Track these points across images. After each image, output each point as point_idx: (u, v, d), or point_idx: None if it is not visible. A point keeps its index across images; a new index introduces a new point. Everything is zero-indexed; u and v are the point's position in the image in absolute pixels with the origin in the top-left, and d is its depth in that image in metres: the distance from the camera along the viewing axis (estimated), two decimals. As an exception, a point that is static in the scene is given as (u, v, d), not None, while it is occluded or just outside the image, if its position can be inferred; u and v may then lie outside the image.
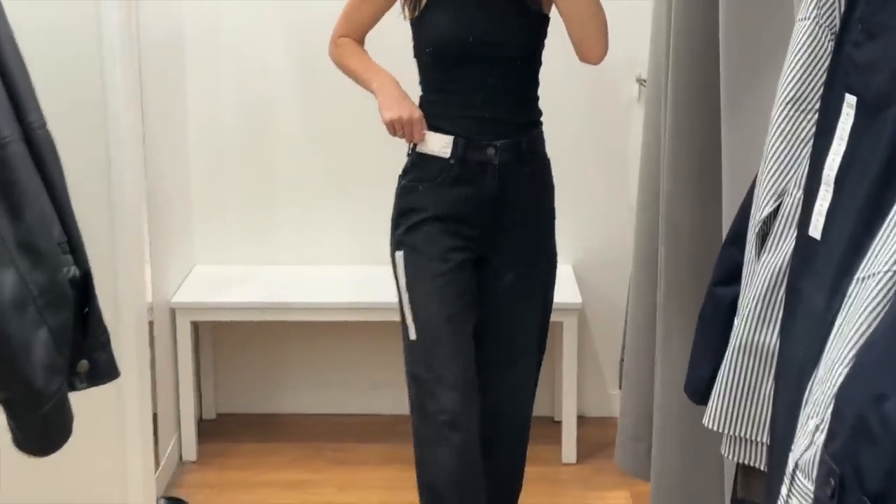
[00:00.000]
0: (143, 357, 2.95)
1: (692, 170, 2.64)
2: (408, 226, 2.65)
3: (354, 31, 2.76)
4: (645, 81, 3.77)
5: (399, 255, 2.66)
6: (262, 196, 4.02)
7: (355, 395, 4.06)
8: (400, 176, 2.71)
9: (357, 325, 3.89)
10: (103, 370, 1.82)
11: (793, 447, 1.38)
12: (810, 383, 1.37)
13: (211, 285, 3.87)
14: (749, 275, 1.77)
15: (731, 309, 1.85)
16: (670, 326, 2.81)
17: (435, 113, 2.65)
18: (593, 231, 3.96)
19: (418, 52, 2.68)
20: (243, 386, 4.13)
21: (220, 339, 4.11)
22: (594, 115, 3.90)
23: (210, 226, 4.03)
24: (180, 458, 3.78)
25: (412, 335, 2.63)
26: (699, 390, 1.93)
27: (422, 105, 2.68)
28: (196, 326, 3.97)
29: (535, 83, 2.71)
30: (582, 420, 3.81)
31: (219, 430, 4.01)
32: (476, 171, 2.62)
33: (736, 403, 1.78)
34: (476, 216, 2.65)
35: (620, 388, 3.86)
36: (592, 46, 2.63)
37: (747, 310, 1.74)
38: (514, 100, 2.67)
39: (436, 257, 2.62)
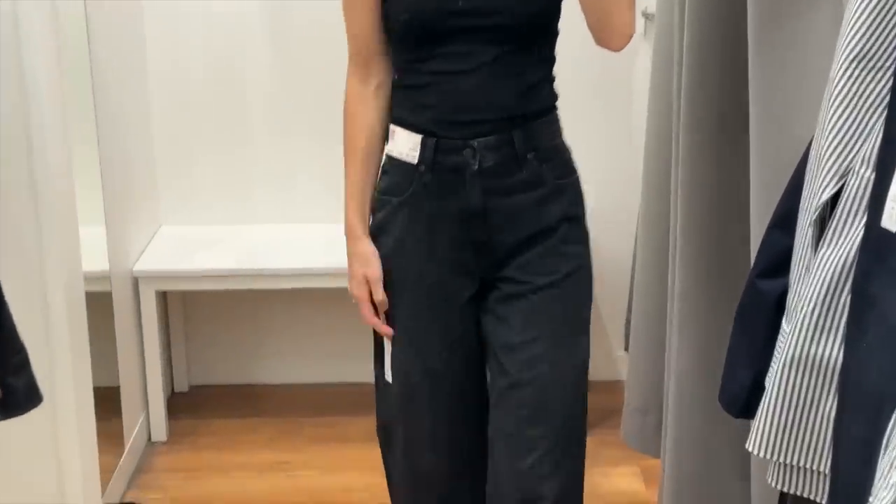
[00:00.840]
0: (79, 339, 2.52)
1: (713, 118, 2.32)
2: (383, 252, 2.08)
3: (366, 48, 2.05)
4: (652, 16, 3.45)
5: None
6: (232, 150, 3.69)
7: (337, 364, 3.75)
8: (378, 181, 2.12)
9: (339, 290, 3.57)
10: (21, 398, 1.51)
11: (872, 498, 1.11)
12: (895, 418, 1.10)
13: (178, 249, 3.54)
14: (803, 271, 1.45)
15: (778, 306, 1.54)
16: (686, 296, 2.50)
17: (408, 104, 2.03)
18: (595, 181, 3.62)
19: (390, 24, 2.01)
20: (217, 356, 3.83)
21: (192, 307, 3.79)
22: (594, 53, 3.55)
23: (176, 183, 3.70)
24: (149, 438, 3.48)
25: (388, 375, 2.13)
26: (737, 402, 1.63)
27: (395, 94, 2.06)
28: (164, 294, 3.65)
29: (549, 61, 2.04)
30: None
31: (191, 405, 3.71)
32: (451, 180, 1.99)
33: (788, 427, 1.47)
34: (463, 237, 2.03)
35: (626, 349, 3.60)
36: (617, 25, 1.97)
37: (801, 314, 1.42)
38: (515, 85, 1.98)
39: (418, 304, 2.07)
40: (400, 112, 2.04)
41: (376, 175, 2.09)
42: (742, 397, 1.60)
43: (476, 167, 1.98)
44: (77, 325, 2.31)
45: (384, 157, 2.08)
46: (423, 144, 1.99)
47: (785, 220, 1.53)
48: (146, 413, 3.46)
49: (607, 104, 3.65)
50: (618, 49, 2.01)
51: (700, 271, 2.47)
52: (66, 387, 1.89)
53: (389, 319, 2.08)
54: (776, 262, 1.55)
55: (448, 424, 2.13)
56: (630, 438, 3.06)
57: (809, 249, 1.42)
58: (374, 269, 2.06)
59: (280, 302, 3.75)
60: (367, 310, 2.08)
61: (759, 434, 1.49)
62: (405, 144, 2.01)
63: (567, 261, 2.04)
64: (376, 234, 2.07)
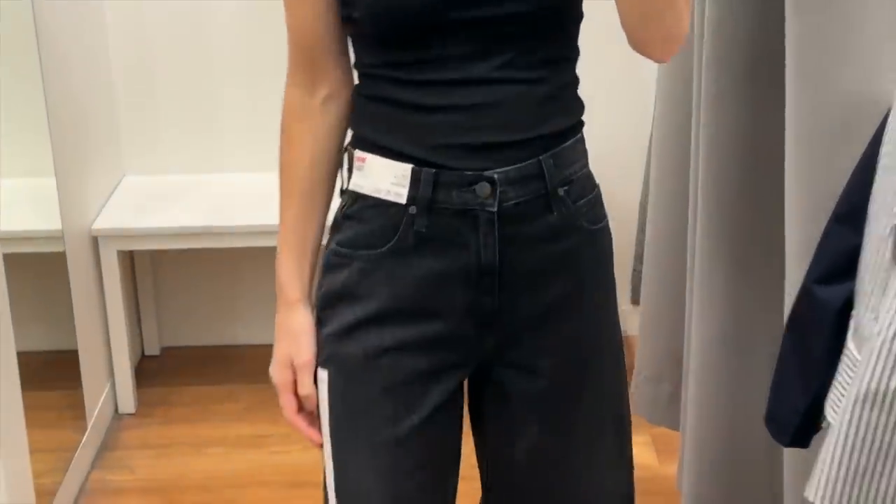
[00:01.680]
0: None
1: (743, 62, 2.03)
2: (338, 328, 1.48)
3: (313, 44, 1.50)
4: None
5: (322, 376, 1.50)
6: (199, 93, 3.36)
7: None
8: (330, 233, 1.53)
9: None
10: None
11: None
12: None
13: (142, 203, 3.24)
14: (879, 285, 1.16)
15: (842, 317, 1.26)
16: (711, 254, 2.23)
17: (384, 122, 1.45)
18: (599, 121, 3.32)
19: (355, 13, 1.43)
20: (190, 316, 3.54)
21: (161, 265, 3.49)
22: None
23: (140, 128, 3.38)
24: (116, 409, 3.21)
25: None
26: (788, 429, 1.35)
27: (360, 107, 1.49)
28: (130, 253, 3.36)
29: (571, 60, 1.51)
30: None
31: (163, 369, 3.43)
32: (456, 228, 1.44)
33: (861, 474, 1.19)
34: (463, 308, 1.46)
35: (631, 302, 3.34)
36: (669, 25, 1.40)
37: (879, 341, 1.13)
38: (539, 94, 1.44)
39: (387, 407, 1.47)
40: (371, 132, 1.46)
41: (322, 218, 1.53)
42: (794, 424, 1.33)
43: (494, 208, 1.43)
44: None
45: (345, 195, 1.50)
46: (416, 177, 1.42)
47: (851, 216, 1.24)
48: (112, 382, 3.19)
49: (611, 33, 3.34)
50: (661, 59, 1.48)
51: (726, 228, 2.19)
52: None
53: (351, 432, 1.49)
54: (839, 264, 1.26)
55: None
56: (642, 409, 2.80)
57: (889, 262, 1.13)
58: (305, 351, 1.49)
59: (256, 259, 3.45)
60: (289, 403, 1.52)
61: (825, 480, 1.21)
62: (384, 177, 1.44)
63: (598, 337, 1.54)
64: (332, 302, 1.48)
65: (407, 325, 1.44)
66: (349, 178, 1.47)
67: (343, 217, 1.47)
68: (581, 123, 1.51)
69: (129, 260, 3.38)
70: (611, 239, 1.57)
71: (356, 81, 1.50)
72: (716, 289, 2.24)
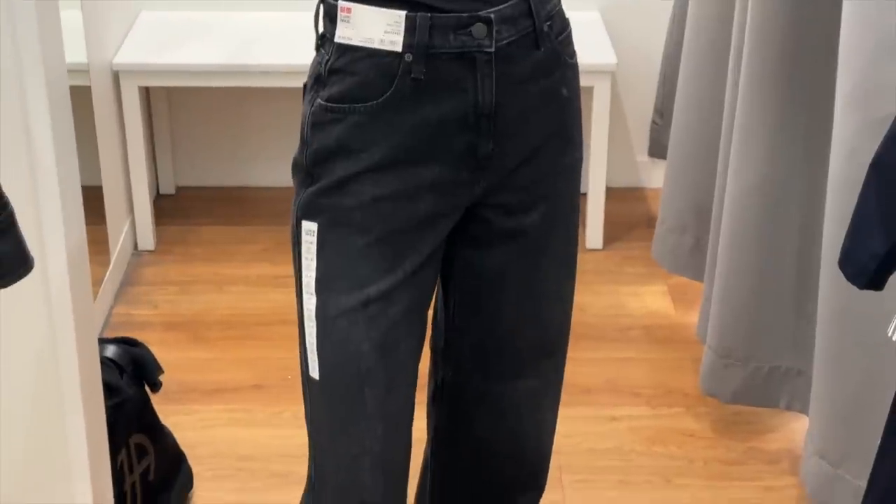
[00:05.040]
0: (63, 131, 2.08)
1: None
2: (332, 182, 1.43)
3: None
4: None
5: (310, 227, 1.45)
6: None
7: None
8: (307, 87, 1.46)
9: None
10: (7, 264, 1.23)
11: None
12: None
13: (161, 40, 3.19)
14: None
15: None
16: (754, 93, 2.22)
17: None
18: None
19: None
20: (206, 155, 3.52)
21: (177, 104, 3.46)
22: None
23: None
24: (135, 246, 3.21)
25: (313, 372, 1.49)
26: (865, 272, 1.36)
27: None
28: (147, 90, 3.32)
29: None
30: (607, 192, 3.24)
31: (179, 209, 3.43)
32: (453, 72, 1.40)
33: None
34: (460, 153, 1.44)
35: (649, 155, 3.35)
36: None
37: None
38: None
39: (381, 254, 1.44)
40: None
41: None
42: (871, 268, 1.34)
43: (492, 49, 1.40)
44: (61, 123, 1.88)
45: (327, 49, 1.43)
46: (411, 24, 1.37)
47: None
48: (132, 219, 3.19)
49: None
50: None
51: (772, 73, 2.18)
52: (56, 241, 1.61)
53: (338, 288, 1.44)
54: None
55: (398, 411, 1.52)
56: (663, 258, 2.84)
57: None
58: None
59: (273, 99, 3.42)
60: None
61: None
62: (376, 26, 1.38)
63: (572, 175, 1.55)
64: (325, 158, 1.43)
65: (403, 174, 1.42)
66: (333, 31, 1.41)
67: (329, 72, 1.41)
68: None
69: (146, 99, 3.34)
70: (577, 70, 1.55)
71: None
72: (757, 137, 2.24)
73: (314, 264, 1.44)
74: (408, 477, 1.54)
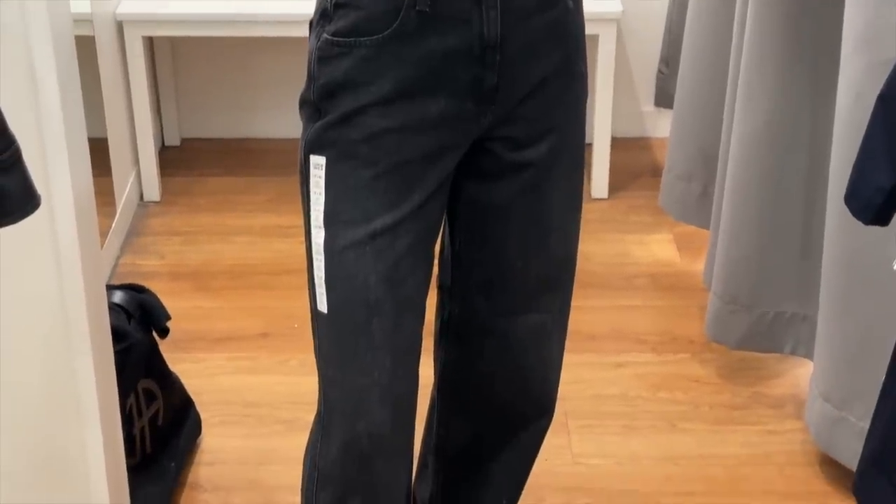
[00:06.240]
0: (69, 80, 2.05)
1: None
2: (339, 116, 1.43)
3: None
4: None
5: (318, 161, 1.45)
6: None
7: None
8: (313, 23, 1.46)
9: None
10: (12, 201, 1.24)
11: None
12: None
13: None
14: None
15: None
16: (764, 34, 2.21)
17: None
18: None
19: None
20: (210, 107, 3.52)
21: (181, 55, 3.45)
22: None
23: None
24: (141, 196, 3.22)
25: (321, 305, 1.48)
26: (870, 207, 1.37)
27: None
28: (150, 41, 3.31)
29: None
30: (612, 141, 3.24)
31: (184, 160, 3.43)
32: (458, 5, 1.40)
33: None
34: (465, 85, 1.43)
35: (655, 104, 3.35)
36: None
37: None
38: None
39: (389, 187, 1.44)
40: None
41: None
42: (877, 202, 1.35)
43: None
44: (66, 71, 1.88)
45: None
46: None
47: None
48: (137, 170, 3.19)
49: None
50: None
51: (779, 5, 2.17)
52: (62, 181, 1.62)
53: (346, 221, 1.44)
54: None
55: (406, 343, 1.51)
56: (670, 206, 2.84)
57: None
58: None
59: (278, 50, 3.41)
60: None
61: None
62: None
63: (578, 108, 1.54)
64: (333, 92, 1.42)
65: (410, 107, 1.42)
66: None
67: (334, 6, 1.41)
68: None
69: (150, 50, 3.33)
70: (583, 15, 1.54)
71: None
72: (763, 82, 2.24)
73: (322, 198, 1.45)
74: (415, 411, 1.55)
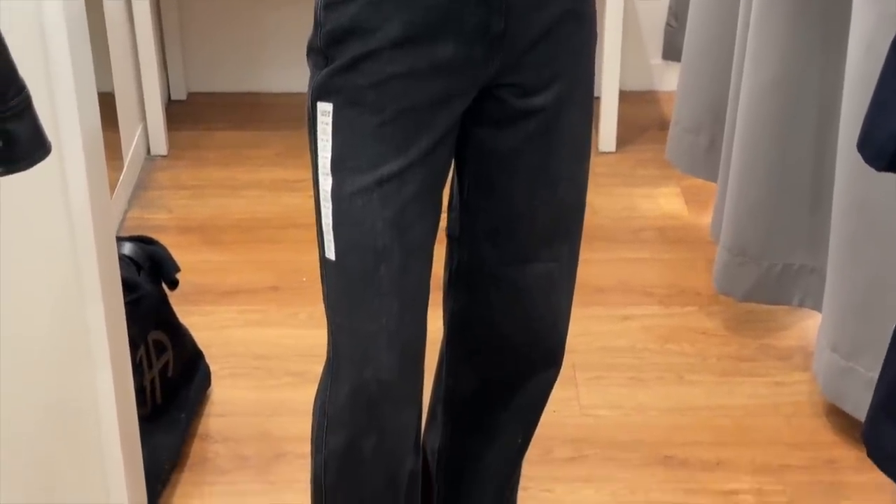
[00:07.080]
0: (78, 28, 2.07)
1: None
2: (346, 62, 1.41)
3: None
4: None
5: (325, 108, 1.44)
6: None
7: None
8: None
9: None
10: (23, 147, 1.23)
11: None
12: None
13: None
14: None
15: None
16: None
17: None
18: None
19: None
20: (217, 60, 3.51)
21: (187, 7, 3.44)
22: None
23: None
24: (148, 150, 3.22)
25: (329, 252, 1.48)
26: (883, 154, 1.36)
27: None
28: (155, -7, 3.31)
29: None
30: (620, 95, 3.23)
31: (190, 115, 3.43)
32: None
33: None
34: (473, 30, 1.41)
35: (663, 57, 3.34)
36: None
37: None
38: None
39: (396, 132, 1.43)
40: None
41: None
42: (890, 149, 1.34)
43: None
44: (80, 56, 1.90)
45: None
46: None
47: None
48: (144, 124, 3.19)
49: None
50: None
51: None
52: (72, 129, 1.62)
53: (353, 168, 1.43)
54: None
55: (414, 290, 1.51)
56: (677, 159, 2.83)
57: None
58: None
59: (285, 3, 3.40)
60: None
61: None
62: None
63: (586, 54, 1.52)
64: (340, 38, 1.41)
65: (416, 52, 1.40)
66: None
67: None
68: None
69: (156, 4, 3.32)
70: None
71: None
72: (773, 33, 2.22)
73: (329, 145, 1.44)
74: (423, 359, 1.55)
